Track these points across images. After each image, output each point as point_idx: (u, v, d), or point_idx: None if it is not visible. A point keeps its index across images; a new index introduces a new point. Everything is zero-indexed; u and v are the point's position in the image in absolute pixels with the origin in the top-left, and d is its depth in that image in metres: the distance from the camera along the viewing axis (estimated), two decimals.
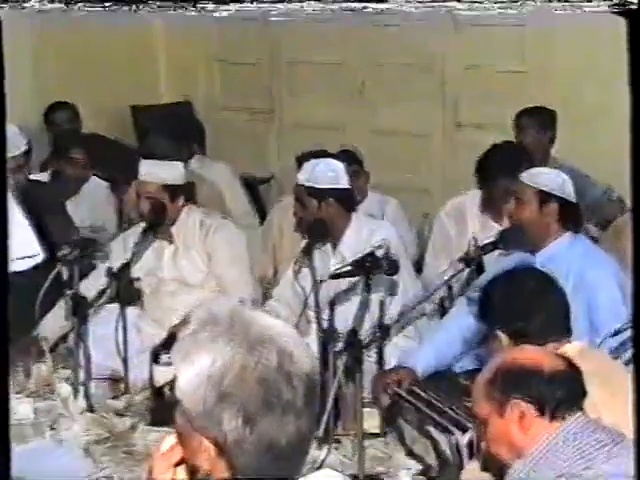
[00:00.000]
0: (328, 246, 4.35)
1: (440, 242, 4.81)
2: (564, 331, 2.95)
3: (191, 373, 1.61)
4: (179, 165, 4.53)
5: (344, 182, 4.26)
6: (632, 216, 1.73)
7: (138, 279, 4.06)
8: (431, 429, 3.17)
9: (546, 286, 3.03)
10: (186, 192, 4.50)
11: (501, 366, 2.41)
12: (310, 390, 1.63)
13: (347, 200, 4.28)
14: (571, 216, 3.87)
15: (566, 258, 3.77)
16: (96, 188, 5.45)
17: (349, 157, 4.51)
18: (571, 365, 2.41)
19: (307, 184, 4.24)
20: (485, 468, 2.66)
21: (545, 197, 3.83)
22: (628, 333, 3.28)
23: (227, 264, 4.47)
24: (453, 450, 3.06)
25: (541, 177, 3.87)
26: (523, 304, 2.93)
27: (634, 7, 1.78)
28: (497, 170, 4.52)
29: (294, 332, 1.67)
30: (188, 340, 1.64)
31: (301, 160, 4.70)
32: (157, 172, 4.44)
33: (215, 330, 1.63)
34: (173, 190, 4.43)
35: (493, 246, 3.93)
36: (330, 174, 4.23)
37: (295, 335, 1.67)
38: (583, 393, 2.39)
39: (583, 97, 5.87)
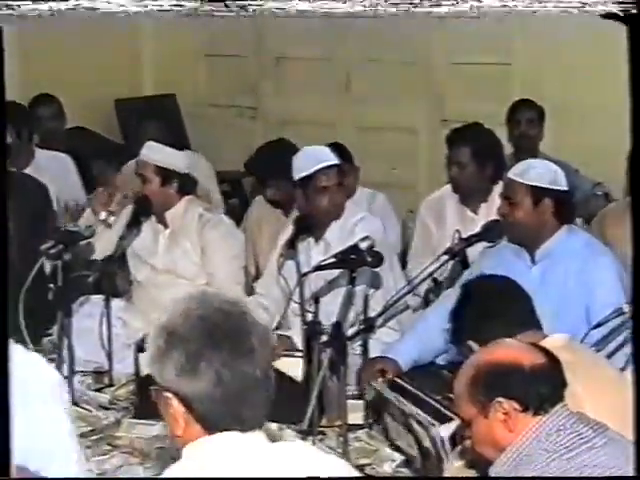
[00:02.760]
0: (312, 237, 4.36)
1: (422, 237, 4.85)
2: (531, 325, 2.96)
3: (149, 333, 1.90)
4: (181, 154, 4.55)
5: (337, 159, 4.25)
6: (631, 216, 1.75)
7: (123, 271, 4.08)
8: (413, 423, 3.18)
9: (501, 289, 3.05)
10: (182, 182, 4.50)
11: (480, 367, 2.40)
12: (260, 334, 1.89)
13: (345, 181, 4.28)
14: (565, 208, 3.78)
15: (565, 252, 3.73)
16: (61, 162, 5.42)
17: (339, 152, 4.53)
18: (550, 357, 2.41)
19: (322, 165, 4.19)
20: (471, 466, 2.68)
21: (539, 193, 3.72)
22: (610, 326, 3.30)
23: (220, 261, 4.47)
24: (435, 443, 3.08)
25: (532, 172, 3.75)
26: (481, 316, 2.95)
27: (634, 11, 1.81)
28: (451, 138, 4.68)
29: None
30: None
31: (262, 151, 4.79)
32: (153, 153, 4.47)
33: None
34: (166, 175, 4.44)
35: (477, 238, 3.94)
36: (326, 153, 4.23)
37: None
38: (564, 384, 2.39)
39: (570, 92, 5.90)
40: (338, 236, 4.13)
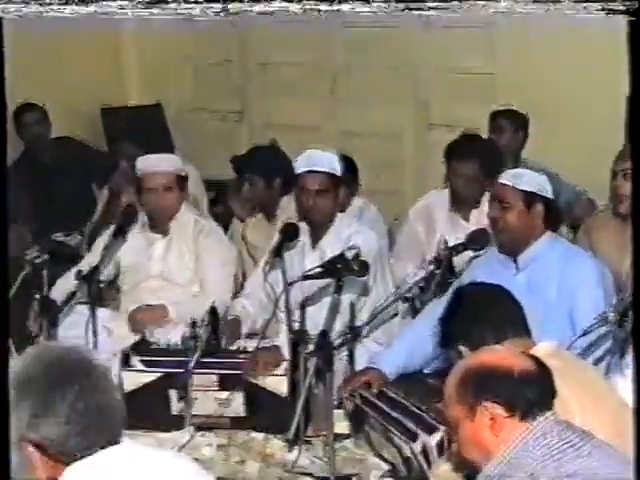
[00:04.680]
0: (307, 243, 4.38)
1: (405, 242, 4.88)
2: (521, 332, 2.98)
3: None
4: (177, 157, 4.70)
5: (338, 169, 4.31)
6: (632, 218, 1.77)
7: (107, 282, 4.09)
8: (393, 437, 3.20)
9: (490, 297, 3.08)
10: (185, 185, 4.64)
11: (470, 369, 2.42)
12: (101, 369, 2.01)
13: (339, 188, 4.32)
14: (553, 215, 3.87)
15: (548, 258, 3.79)
16: None
17: (346, 164, 4.59)
18: (541, 365, 2.43)
19: (308, 169, 4.27)
20: (457, 469, 2.70)
21: (531, 199, 3.80)
22: (596, 334, 3.33)
23: (212, 268, 4.56)
24: (416, 456, 3.10)
25: (524, 178, 3.83)
26: (471, 321, 2.97)
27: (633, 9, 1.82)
28: (458, 151, 4.70)
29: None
30: None
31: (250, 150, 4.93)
32: (166, 162, 4.60)
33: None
34: (182, 182, 4.61)
35: (463, 247, 3.97)
36: (326, 159, 4.29)
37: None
38: (553, 393, 2.41)
39: (554, 98, 5.93)
40: (333, 246, 4.14)
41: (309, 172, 4.26)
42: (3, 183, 1.87)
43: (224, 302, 4.40)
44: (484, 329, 2.91)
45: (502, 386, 2.36)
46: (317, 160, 4.27)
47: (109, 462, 1.96)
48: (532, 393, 2.36)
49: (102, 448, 1.96)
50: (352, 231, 4.28)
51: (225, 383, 3.76)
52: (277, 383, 3.71)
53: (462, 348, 2.94)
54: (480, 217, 4.75)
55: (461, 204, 4.81)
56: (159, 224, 4.62)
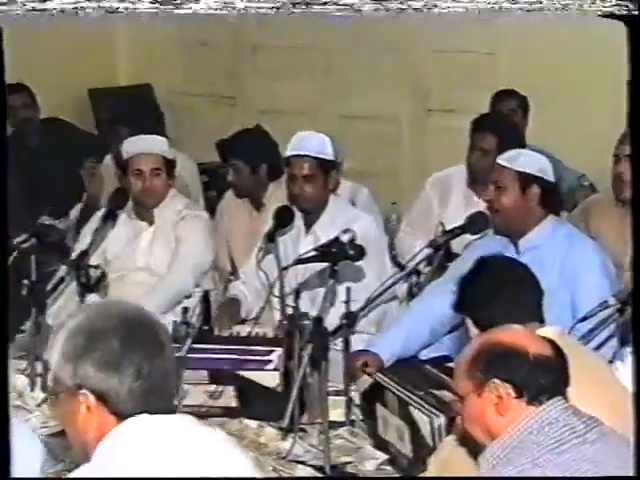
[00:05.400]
0: (301, 228, 4.38)
1: (419, 211, 4.93)
2: (535, 320, 2.97)
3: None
4: (164, 140, 4.65)
5: (330, 153, 4.30)
6: (632, 216, 1.78)
7: (97, 266, 4.09)
8: (413, 411, 3.19)
9: (515, 274, 3.04)
10: (173, 170, 4.62)
11: (486, 345, 2.43)
12: (165, 331, 2.13)
13: (330, 173, 4.32)
14: (552, 199, 3.84)
15: (550, 244, 3.78)
16: None
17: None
18: (558, 352, 2.42)
19: (294, 153, 4.27)
20: (462, 443, 2.69)
21: (526, 180, 3.78)
22: (598, 318, 3.34)
23: (184, 252, 4.52)
24: (434, 433, 3.09)
25: (520, 159, 3.82)
26: (490, 295, 2.95)
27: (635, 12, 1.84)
28: (477, 124, 4.78)
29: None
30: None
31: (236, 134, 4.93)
32: (153, 143, 4.57)
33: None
34: (171, 166, 4.58)
35: (461, 230, 3.97)
36: (316, 142, 4.28)
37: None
38: (566, 381, 2.41)
39: (555, 83, 5.93)
40: (328, 230, 4.12)
41: (298, 156, 4.26)
42: (3, 180, 2.03)
43: (183, 290, 4.40)
44: (502, 305, 2.89)
45: (515, 366, 2.36)
46: (306, 143, 4.26)
47: (166, 428, 2.05)
48: (544, 378, 2.36)
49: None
50: (349, 216, 4.27)
51: (215, 377, 3.76)
52: (269, 378, 3.71)
53: (468, 321, 2.94)
54: None
55: (478, 182, 4.82)
56: (145, 210, 4.59)
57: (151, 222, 4.59)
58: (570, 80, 5.85)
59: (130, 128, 5.13)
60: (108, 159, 5.52)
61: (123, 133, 5.10)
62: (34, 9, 1.90)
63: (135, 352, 2.03)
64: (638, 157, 1.78)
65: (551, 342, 2.46)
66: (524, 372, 2.36)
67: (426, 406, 3.15)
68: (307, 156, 4.26)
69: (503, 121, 4.97)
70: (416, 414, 3.16)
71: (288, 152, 4.31)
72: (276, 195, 4.82)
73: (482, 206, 4.53)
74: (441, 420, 3.06)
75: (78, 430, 2.07)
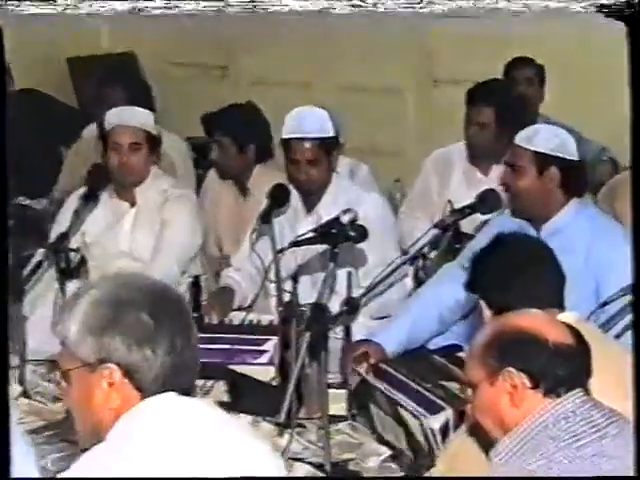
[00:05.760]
0: (300, 208, 4.39)
1: (418, 193, 4.96)
2: (555, 306, 2.95)
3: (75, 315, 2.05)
4: (149, 112, 4.63)
5: (331, 130, 4.29)
6: (632, 211, 1.80)
7: (77, 250, 4.09)
8: (403, 413, 3.21)
9: (536, 253, 3.03)
10: (157, 146, 4.58)
11: (502, 330, 2.41)
12: (188, 306, 2.16)
13: (332, 152, 4.32)
14: (575, 180, 3.80)
15: (574, 230, 3.75)
16: None
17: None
18: (580, 341, 2.40)
19: (295, 135, 4.26)
20: (472, 434, 2.70)
21: (544, 161, 3.75)
22: (618, 305, 3.34)
23: (170, 237, 4.49)
24: (427, 436, 3.12)
25: (537, 137, 3.78)
26: (508, 274, 2.94)
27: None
28: (473, 97, 4.78)
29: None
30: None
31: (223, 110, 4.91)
32: (135, 115, 4.53)
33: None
34: (153, 142, 4.54)
35: (471, 210, 3.96)
36: (317, 121, 4.27)
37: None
38: (588, 373, 2.40)
39: (572, 50, 5.93)
40: (330, 209, 4.08)
41: (298, 139, 4.24)
42: (4, 183, 2.14)
43: (168, 279, 4.40)
44: (520, 287, 2.88)
45: (532, 355, 2.35)
46: (306, 124, 4.24)
47: (191, 411, 2.07)
48: (564, 369, 2.35)
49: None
50: (353, 196, 4.27)
51: (205, 370, 3.76)
52: (262, 372, 3.73)
53: (482, 303, 2.94)
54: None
55: (480, 157, 4.84)
56: (125, 189, 4.56)
57: (133, 203, 4.57)
58: (588, 46, 5.84)
59: (114, 97, 5.13)
60: (87, 132, 5.52)
61: (107, 103, 5.09)
62: None
63: (168, 324, 2.05)
64: (638, 157, 1.81)
65: (573, 329, 2.44)
66: (542, 361, 2.35)
67: (418, 407, 3.15)
68: (309, 138, 4.24)
69: (501, 90, 4.94)
70: (406, 416, 3.18)
71: (287, 134, 4.27)
72: (262, 179, 4.82)
73: (485, 183, 4.58)
74: (447, 414, 3.08)
75: (93, 408, 2.06)
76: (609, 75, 3.95)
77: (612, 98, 3.43)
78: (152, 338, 2.02)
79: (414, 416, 3.14)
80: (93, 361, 2.03)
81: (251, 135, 4.91)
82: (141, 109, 4.64)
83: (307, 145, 4.24)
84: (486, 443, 2.51)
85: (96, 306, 2.04)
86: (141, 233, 4.56)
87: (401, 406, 3.21)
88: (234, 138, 4.89)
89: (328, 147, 4.28)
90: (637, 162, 1.79)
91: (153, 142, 4.54)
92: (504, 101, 4.83)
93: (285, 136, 4.29)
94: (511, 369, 2.36)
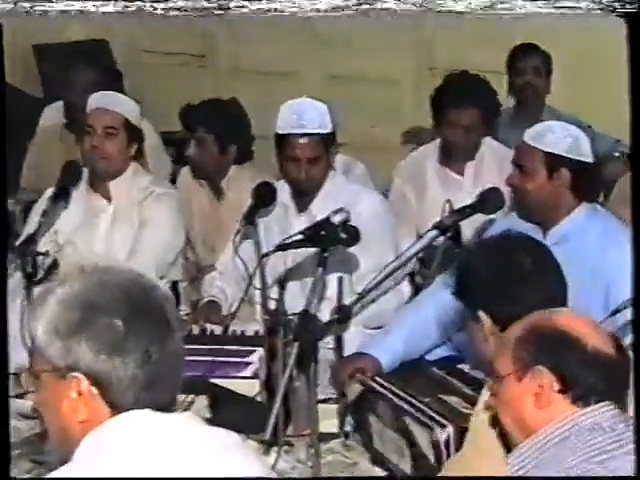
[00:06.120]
0: (291, 207, 4.39)
1: (397, 206, 4.93)
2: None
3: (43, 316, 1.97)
4: (131, 101, 4.64)
5: (330, 124, 4.29)
6: (632, 214, 1.83)
7: (46, 253, 4.09)
8: (410, 423, 3.21)
9: (540, 258, 3.03)
10: (137, 139, 4.58)
11: (539, 326, 2.43)
12: (173, 307, 2.05)
13: (331, 149, 4.32)
14: (587, 183, 3.81)
15: (583, 237, 3.77)
16: None
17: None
18: (621, 351, 2.41)
19: (294, 131, 4.23)
20: (492, 424, 2.68)
21: (555, 162, 3.76)
22: (629, 314, 3.35)
23: (151, 237, 4.51)
24: (437, 447, 3.11)
25: (549, 136, 3.79)
26: (511, 279, 2.94)
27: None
28: (459, 99, 4.77)
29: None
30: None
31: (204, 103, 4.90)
32: (119, 103, 4.56)
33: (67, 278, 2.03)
34: (132, 131, 4.55)
35: (472, 210, 3.96)
36: (317, 115, 4.25)
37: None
38: (625, 386, 2.41)
39: (578, 39, 5.94)
40: (326, 209, 4.06)
41: (297, 134, 4.23)
42: (3, 182, 2.06)
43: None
44: (520, 295, 2.88)
45: (568, 357, 2.37)
46: (307, 118, 4.23)
47: (170, 427, 2.00)
48: (597, 378, 2.36)
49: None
50: (350, 194, 4.28)
51: (185, 385, 3.75)
52: (247, 386, 3.73)
53: (483, 317, 2.95)
54: (478, 170, 4.82)
55: (454, 157, 4.90)
56: (100, 182, 4.56)
57: (110, 198, 4.57)
58: (599, 32, 5.86)
59: (82, 83, 5.13)
60: (46, 121, 5.50)
61: (74, 89, 5.08)
62: None
63: (143, 332, 1.97)
64: (638, 157, 1.83)
65: (616, 339, 2.45)
66: (576, 366, 2.36)
67: (424, 417, 3.16)
68: (310, 134, 4.23)
69: (482, 87, 4.90)
70: (413, 427, 3.18)
71: (284, 128, 4.25)
72: (238, 180, 4.84)
73: (462, 183, 4.62)
74: (449, 431, 3.08)
75: (62, 418, 2.01)
76: (611, 70, 3.97)
77: (613, 91, 3.45)
78: (122, 346, 1.95)
79: (424, 426, 3.14)
80: (62, 366, 1.97)
81: (234, 135, 4.93)
82: (125, 97, 4.67)
83: (308, 141, 4.23)
84: (504, 440, 2.53)
85: (64, 306, 1.98)
86: (119, 233, 4.57)
87: (409, 415, 3.20)
88: (217, 136, 4.90)
89: (328, 143, 4.28)
90: (637, 162, 1.81)
91: (132, 132, 4.55)
92: (486, 98, 4.84)
93: (282, 131, 4.27)
94: (542, 367, 2.38)
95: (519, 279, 2.94)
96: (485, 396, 2.74)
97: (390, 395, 3.37)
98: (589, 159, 3.81)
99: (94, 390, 1.97)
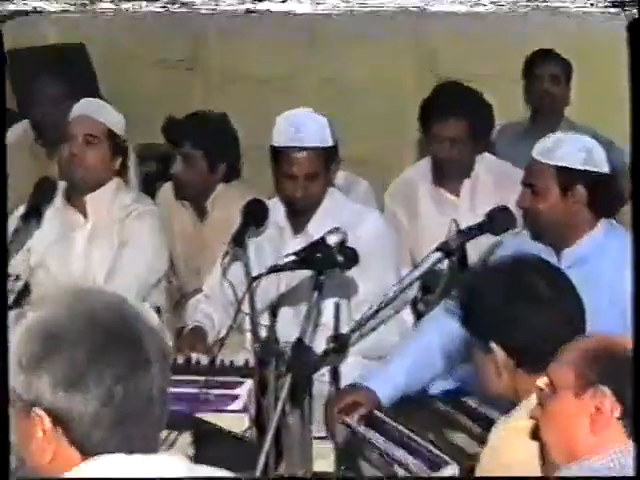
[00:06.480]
0: (286, 227, 4.40)
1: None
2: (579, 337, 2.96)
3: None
4: (115, 112, 4.66)
5: (331, 138, 4.28)
6: (632, 214, 1.84)
7: (18, 277, 4.09)
8: (399, 470, 3.21)
9: (555, 282, 3.03)
10: (120, 152, 4.59)
11: (614, 344, 2.45)
12: (156, 341, 1.99)
13: (331, 165, 4.31)
14: (605, 197, 3.81)
15: (602, 256, 3.77)
16: None
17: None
18: None
19: (291, 144, 4.23)
20: (533, 436, 2.68)
21: (569, 178, 3.76)
22: None
23: (132, 257, 4.51)
24: None
25: (560, 150, 3.79)
26: (524, 306, 2.94)
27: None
28: (444, 110, 4.79)
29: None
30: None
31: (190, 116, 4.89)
32: (103, 112, 4.59)
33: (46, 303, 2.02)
34: (116, 143, 4.56)
35: (479, 230, 3.96)
36: (316, 128, 4.25)
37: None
38: None
39: (596, 44, 5.95)
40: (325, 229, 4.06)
41: (294, 148, 4.23)
42: (3, 181, 2.17)
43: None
44: (535, 324, 2.88)
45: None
46: (304, 131, 4.22)
47: (149, 471, 1.96)
48: None
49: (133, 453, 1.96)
50: (352, 213, 4.28)
51: (168, 419, 3.75)
52: (235, 421, 3.72)
53: (495, 348, 2.93)
54: (474, 189, 4.83)
55: (447, 175, 4.91)
56: (77, 194, 4.57)
57: (86, 213, 4.57)
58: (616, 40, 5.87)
59: (52, 92, 5.13)
60: (13, 136, 5.51)
61: (42, 100, 5.08)
62: None
63: (109, 366, 1.93)
64: (638, 157, 1.85)
65: None
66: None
67: (412, 461, 3.15)
68: (308, 148, 4.23)
69: (469, 97, 4.92)
70: (402, 474, 3.18)
71: (280, 142, 4.25)
72: (224, 199, 4.84)
73: (457, 204, 4.74)
74: (454, 469, 3.08)
75: (32, 459, 1.99)
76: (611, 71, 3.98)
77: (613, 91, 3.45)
78: (82, 381, 1.92)
79: (427, 463, 3.14)
80: (27, 401, 1.95)
81: (224, 151, 4.93)
82: (110, 107, 4.69)
83: (306, 156, 4.23)
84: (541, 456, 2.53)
85: (28, 336, 1.95)
86: (97, 251, 4.57)
87: (398, 464, 3.21)
88: (206, 153, 4.89)
89: (328, 159, 4.27)
90: (637, 162, 1.83)
91: (116, 144, 4.56)
92: (473, 108, 4.85)
93: (278, 145, 4.27)
94: (606, 389, 2.39)
95: (533, 306, 2.94)
96: (522, 411, 2.74)
97: (380, 438, 3.36)
98: (605, 169, 3.81)
99: (57, 429, 1.94)
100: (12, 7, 2.20)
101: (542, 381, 2.51)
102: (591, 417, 2.40)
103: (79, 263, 4.58)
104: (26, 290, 4.33)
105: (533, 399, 2.61)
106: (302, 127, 4.23)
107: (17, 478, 2.08)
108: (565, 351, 2.51)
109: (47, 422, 1.94)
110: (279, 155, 4.26)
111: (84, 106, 4.59)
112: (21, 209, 4.48)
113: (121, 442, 1.96)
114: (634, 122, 1.85)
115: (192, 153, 4.91)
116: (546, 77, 5.69)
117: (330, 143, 4.27)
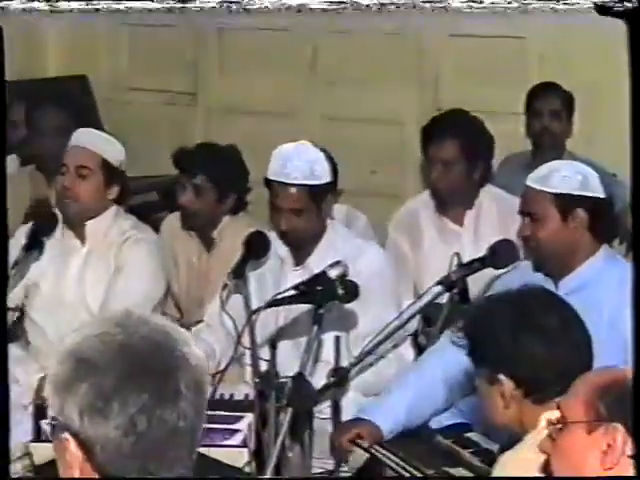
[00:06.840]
0: (287, 260, 4.37)
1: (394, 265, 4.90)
2: (586, 370, 2.93)
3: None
4: (111, 139, 4.65)
5: (324, 175, 4.25)
6: (632, 216, 1.82)
7: (15, 309, 4.07)
8: None
9: (561, 311, 3.02)
10: (117, 181, 4.56)
11: (622, 378, 2.41)
12: (192, 373, 1.95)
13: (324, 200, 4.28)
14: (604, 221, 3.81)
15: (601, 283, 3.76)
16: None
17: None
18: None
19: (277, 179, 4.21)
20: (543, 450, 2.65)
21: (568, 203, 3.76)
22: None
23: (127, 284, 4.48)
24: None
25: (555, 176, 3.78)
26: (533, 337, 2.92)
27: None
28: (433, 132, 4.84)
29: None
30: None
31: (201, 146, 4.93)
32: (97, 142, 4.57)
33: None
34: (111, 173, 4.53)
35: (482, 264, 3.95)
36: (305, 165, 4.21)
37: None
38: None
39: (597, 77, 5.95)
40: (326, 263, 4.00)
41: (282, 183, 4.21)
42: (3, 180, 2.16)
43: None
44: (545, 354, 2.87)
45: None
46: (292, 167, 4.20)
47: None
48: None
49: None
50: (352, 247, 4.26)
51: None
52: (235, 456, 3.70)
53: (504, 380, 2.91)
54: (478, 220, 4.82)
55: (448, 203, 4.91)
56: (74, 222, 4.55)
57: (83, 239, 4.56)
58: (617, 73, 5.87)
59: (49, 125, 5.14)
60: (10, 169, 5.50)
61: (36, 132, 5.08)
62: None
63: (132, 395, 1.91)
64: (638, 157, 1.82)
65: None
66: None
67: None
68: (294, 184, 4.20)
69: (462, 120, 4.97)
70: None
71: (270, 174, 4.24)
72: (231, 230, 4.82)
73: (461, 233, 4.71)
74: None
75: (64, 475, 1.99)
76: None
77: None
78: (106, 408, 1.91)
79: None
80: (60, 422, 1.95)
81: (234, 183, 4.91)
82: (106, 135, 4.69)
83: (291, 191, 4.21)
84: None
85: (62, 360, 1.96)
86: (92, 275, 4.54)
87: None
88: (216, 184, 4.87)
89: (318, 195, 4.24)
90: (637, 162, 1.81)
91: (111, 173, 4.53)
92: (467, 131, 4.88)
93: (269, 177, 4.26)
94: (619, 426, 2.35)
95: (540, 336, 2.93)
96: (528, 443, 2.72)
97: (397, 465, 3.34)
98: (601, 194, 3.80)
99: (79, 453, 1.94)
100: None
101: (553, 414, 2.49)
102: (603, 453, 2.36)
103: (74, 288, 4.55)
104: (19, 320, 4.31)
105: (538, 432, 2.59)
106: (289, 163, 4.21)
107: (17, 478, 2.08)
108: (576, 384, 2.48)
109: (73, 446, 1.94)
110: (270, 187, 4.27)
111: (79, 137, 4.59)
112: (22, 235, 4.46)
113: (141, 473, 1.95)
114: (634, 122, 1.82)
115: (202, 184, 4.89)
116: (546, 113, 5.68)
117: (323, 180, 4.24)
